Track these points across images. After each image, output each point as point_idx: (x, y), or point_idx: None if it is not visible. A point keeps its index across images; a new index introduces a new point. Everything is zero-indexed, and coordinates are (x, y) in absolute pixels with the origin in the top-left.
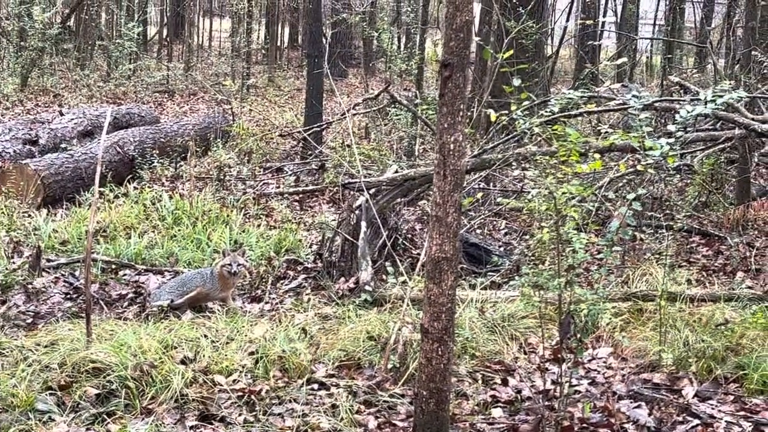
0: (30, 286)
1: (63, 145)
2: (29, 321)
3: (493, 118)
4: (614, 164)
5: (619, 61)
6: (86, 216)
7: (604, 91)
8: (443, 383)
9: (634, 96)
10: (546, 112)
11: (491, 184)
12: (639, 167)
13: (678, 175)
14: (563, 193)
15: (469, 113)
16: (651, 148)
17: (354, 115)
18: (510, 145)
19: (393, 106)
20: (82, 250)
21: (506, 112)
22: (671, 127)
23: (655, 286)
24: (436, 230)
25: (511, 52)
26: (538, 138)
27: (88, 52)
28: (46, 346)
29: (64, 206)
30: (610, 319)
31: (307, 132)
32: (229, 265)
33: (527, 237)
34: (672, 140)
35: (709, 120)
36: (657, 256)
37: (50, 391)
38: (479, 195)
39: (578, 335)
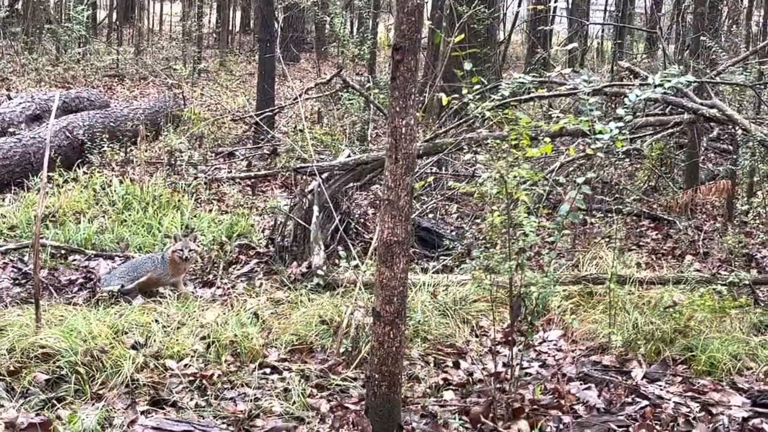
0: None
1: (11, 130)
2: None
3: (444, 102)
4: (565, 149)
5: (570, 47)
6: (35, 201)
7: (554, 77)
8: (395, 366)
9: (583, 81)
10: (497, 96)
11: (443, 168)
12: (588, 151)
13: (627, 160)
14: (514, 177)
15: (421, 98)
16: (600, 132)
17: (306, 99)
18: (462, 129)
19: (345, 90)
20: (31, 235)
21: (458, 96)
22: (620, 111)
23: (605, 269)
24: (388, 214)
25: (463, 36)
26: (489, 122)
27: (37, 36)
28: None
29: (12, 191)
30: (561, 302)
31: (259, 117)
32: (181, 250)
33: (478, 221)
34: (621, 124)
35: (658, 105)
36: (607, 239)
37: None
38: (431, 179)
39: (529, 318)
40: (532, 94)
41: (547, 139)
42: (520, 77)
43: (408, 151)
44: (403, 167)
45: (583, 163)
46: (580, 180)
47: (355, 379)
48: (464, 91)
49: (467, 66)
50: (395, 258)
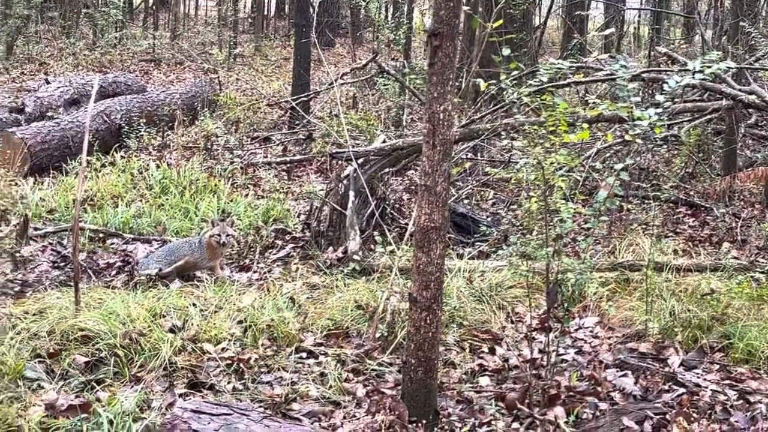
0: (17, 255)
1: (49, 114)
2: (17, 289)
3: (482, 88)
4: (601, 135)
5: (607, 32)
6: (73, 184)
7: (591, 62)
8: (431, 352)
9: (622, 66)
10: (535, 82)
11: (479, 154)
12: (627, 137)
13: (665, 146)
14: (551, 163)
15: (457, 83)
16: (639, 119)
17: (342, 84)
18: (498, 115)
19: (380, 75)
20: (70, 219)
21: (495, 81)
22: (659, 97)
23: (641, 256)
24: (425, 199)
25: (501, 21)
26: (526, 108)
27: (74, 20)
28: (34, 314)
29: (51, 175)
30: (597, 288)
31: (294, 101)
32: (218, 235)
33: (514, 207)
34: (660, 110)
35: (696, 91)
36: (644, 226)
37: (39, 359)
38: (467, 165)
39: (565, 304)
40: (569, 80)
41: (585, 125)
42: (558, 63)
43: (445, 137)
44: (441, 153)
45: (620, 149)
46: (618, 166)
47: (390, 364)
48: (502, 77)
49: (505, 51)
50: (432, 244)
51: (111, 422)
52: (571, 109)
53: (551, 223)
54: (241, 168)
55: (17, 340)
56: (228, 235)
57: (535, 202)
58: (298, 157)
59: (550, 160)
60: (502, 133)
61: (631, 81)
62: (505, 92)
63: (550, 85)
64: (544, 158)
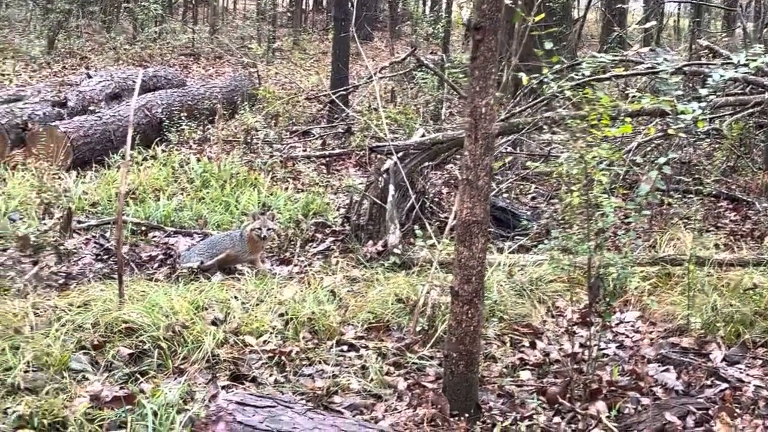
0: (61, 247)
1: (91, 108)
2: (61, 282)
3: (525, 82)
4: (641, 129)
5: (648, 25)
6: (115, 178)
7: (632, 55)
8: (473, 345)
9: (665, 60)
10: (577, 75)
11: (518, 148)
12: (670, 131)
13: (707, 140)
14: (593, 157)
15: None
16: (682, 112)
17: (380, 78)
18: (538, 108)
19: (419, 69)
20: (112, 212)
21: (536, 75)
22: (703, 91)
23: (682, 250)
24: (466, 193)
25: (543, 15)
26: (567, 102)
27: (114, 15)
28: (79, 307)
29: (93, 168)
30: (638, 283)
31: (334, 95)
32: (259, 229)
33: (554, 201)
34: (703, 104)
35: (738, 84)
36: (685, 220)
37: (84, 351)
38: (508, 159)
39: (607, 299)
40: (610, 73)
41: (628, 119)
42: (600, 56)
43: (487, 131)
44: (482, 147)
45: (661, 143)
46: (661, 160)
47: (431, 358)
48: (544, 71)
49: (547, 45)
50: (474, 238)
51: (155, 414)
52: (614, 102)
53: (593, 218)
54: (281, 162)
55: (62, 332)
56: (269, 229)
57: (577, 196)
58: (337, 150)
59: (591, 153)
60: (544, 127)
61: (673, 74)
62: (545, 86)
63: (591, 78)
64: (586, 152)
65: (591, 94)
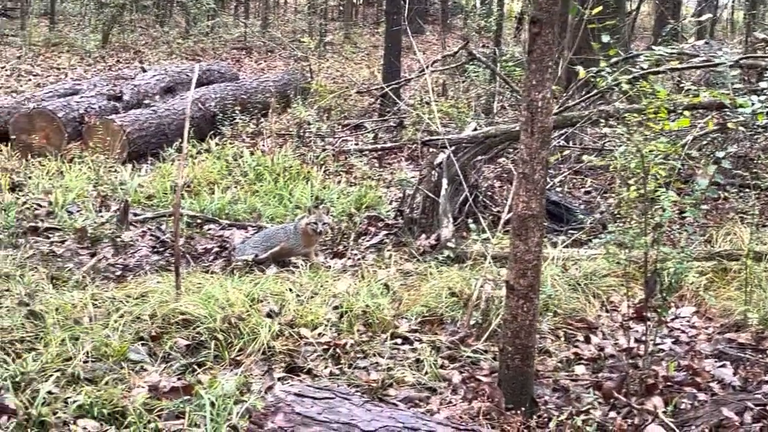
0: (118, 240)
1: (146, 101)
2: (118, 273)
3: (582, 75)
4: (697, 122)
5: (704, 18)
6: (170, 171)
7: (687, 48)
8: (528, 339)
9: (724, 52)
10: (634, 68)
11: (570, 141)
12: (729, 125)
13: (765, 133)
14: (650, 150)
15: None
16: (741, 105)
17: (432, 72)
18: (592, 102)
19: (471, 63)
20: (168, 205)
21: (590, 68)
22: (763, 84)
23: (739, 245)
24: (522, 187)
25: (600, 8)
26: (622, 95)
27: (167, 9)
28: (136, 298)
29: (148, 161)
30: (694, 278)
31: (386, 89)
32: (315, 223)
33: (608, 195)
34: (762, 97)
35: None
36: (741, 215)
37: (142, 342)
38: (566, 152)
39: (663, 294)
40: (663, 67)
41: (686, 113)
42: (658, 49)
43: (544, 125)
44: (539, 141)
45: (716, 136)
46: (719, 154)
47: (485, 352)
48: (602, 63)
49: (605, 38)
50: (529, 231)
51: (213, 404)
52: (672, 96)
53: (650, 212)
54: (333, 155)
55: (121, 323)
56: (324, 223)
57: (635, 190)
58: (389, 144)
59: (649, 147)
60: (601, 120)
61: (731, 68)
62: (599, 79)
63: (648, 71)
64: (644, 146)
65: (648, 87)
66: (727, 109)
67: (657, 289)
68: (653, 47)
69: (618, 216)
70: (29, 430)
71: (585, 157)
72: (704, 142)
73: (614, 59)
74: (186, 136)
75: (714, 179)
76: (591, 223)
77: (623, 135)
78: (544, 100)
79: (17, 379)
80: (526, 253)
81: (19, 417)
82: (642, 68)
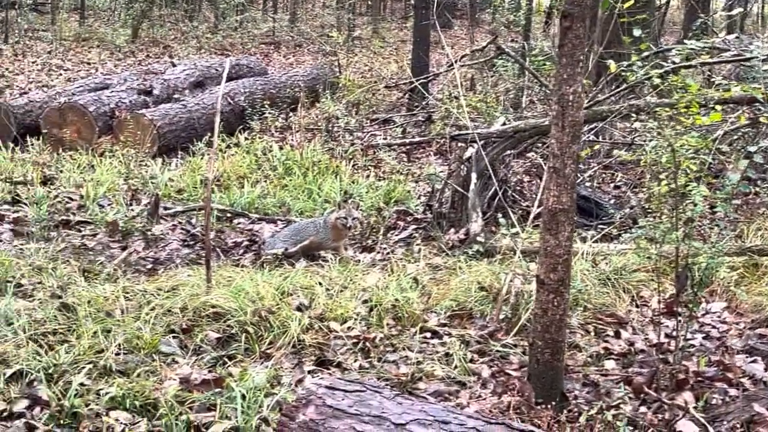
0: (149, 233)
1: (176, 96)
2: (149, 266)
3: (613, 69)
4: (729, 117)
5: (734, 12)
6: (200, 165)
7: (718, 43)
8: (558, 334)
9: (756, 47)
10: (665, 62)
11: (599, 136)
12: (762, 119)
13: None
14: (681, 145)
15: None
16: None
17: (461, 66)
18: (621, 96)
19: (500, 57)
20: (198, 199)
21: (621, 63)
22: None
23: None
24: (553, 181)
25: (631, 2)
26: (652, 89)
27: (196, 4)
28: (167, 291)
29: (178, 155)
30: (725, 273)
31: (414, 83)
32: (344, 218)
33: (638, 190)
34: None
35: None
36: None
37: (173, 334)
38: (597, 147)
39: (694, 289)
40: (695, 61)
41: (718, 107)
42: (690, 43)
43: (575, 119)
44: (570, 135)
45: (747, 131)
46: (751, 148)
47: (515, 346)
48: (633, 57)
49: (636, 32)
50: (560, 226)
51: (243, 397)
52: (703, 90)
53: (681, 207)
54: (362, 150)
55: (152, 316)
56: (354, 218)
57: (666, 185)
58: (417, 138)
59: (680, 142)
60: (632, 114)
61: (765, 62)
62: (629, 73)
63: (680, 66)
64: (675, 140)
65: (680, 82)
66: (758, 104)
67: (688, 284)
68: (684, 41)
69: (649, 211)
70: (62, 421)
71: (615, 152)
72: (735, 137)
73: (645, 53)
74: (216, 130)
75: (746, 174)
76: (621, 218)
77: (654, 129)
78: (575, 94)
79: (50, 371)
80: (557, 247)
81: (52, 408)
82: (674, 62)
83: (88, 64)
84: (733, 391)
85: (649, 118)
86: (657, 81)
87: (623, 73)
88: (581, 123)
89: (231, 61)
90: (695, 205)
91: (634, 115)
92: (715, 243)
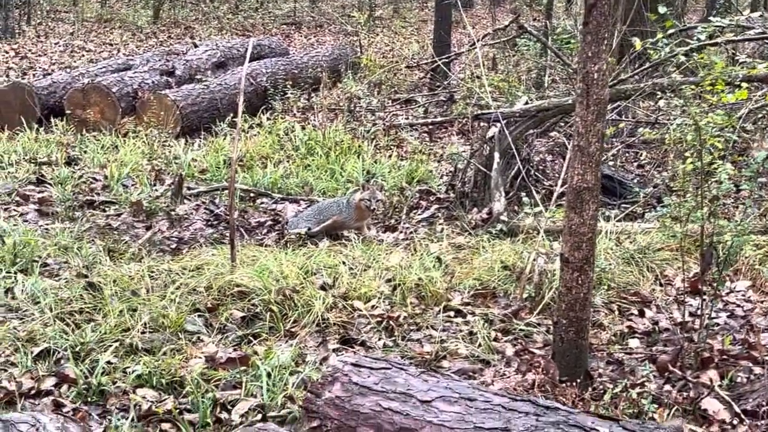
0: (173, 213)
1: (198, 77)
2: (173, 246)
3: (637, 47)
4: (753, 95)
5: None
6: (223, 146)
7: (742, 21)
8: (583, 312)
9: None
10: (690, 40)
11: (622, 115)
12: None
13: None
14: (707, 123)
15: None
16: None
17: (482, 46)
18: (645, 74)
19: (522, 36)
20: (221, 179)
21: (646, 41)
22: None
23: None
24: (577, 160)
25: None
26: (677, 67)
27: None
28: (192, 270)
29: (201, 136)
30: (750, 252)
31: (436, 63)
32: (368, 200)
33: (661, 169)
34: None
35: None
36: None
37: (198, 313)
38: (622, 125)
39: (719, 267)
40: (720, 38)
41: (744, 85)
42: (716, 20)
43: (599, 97)
44: (594, 113)
45: None
46: None
47: (538, 325)
48: (658, 35)
49: (661, 9)
50: (584, 204)
51: (269, 375)
52: (727, 68)
53: (706, 185)
54: (384, 129)
55: (177, 295)
56: (377, 200)
57: (691, 163)
58: (439, 118)
59: (705, 120)
60: (658, 93)
61: None
62: (654, 51)
63: (705, 43)
64: (700, 118)
65: (705, 59)
66: None
67: (713, 262)
68: (709, 19)
69: (673, 189)
70: (89, 398)
71: (639, 131)
72: (759, 116)
73: (670, 30)
74: (240, 110)
75: None
76: (645, 197)
77: (679, 107)
78: (599, 72)
79: (77, 349)
80: (581, 225)
81: (79, 386)
82: (699, 39)
83: (110, 45)
84: (758, 369)
85: (673, 96)
86: (683, 59)
87: (648, 51)
88: (606, 101)
89: (253, 42)
90: (720, 183)
91: (658, 93)
92: (741, 221)
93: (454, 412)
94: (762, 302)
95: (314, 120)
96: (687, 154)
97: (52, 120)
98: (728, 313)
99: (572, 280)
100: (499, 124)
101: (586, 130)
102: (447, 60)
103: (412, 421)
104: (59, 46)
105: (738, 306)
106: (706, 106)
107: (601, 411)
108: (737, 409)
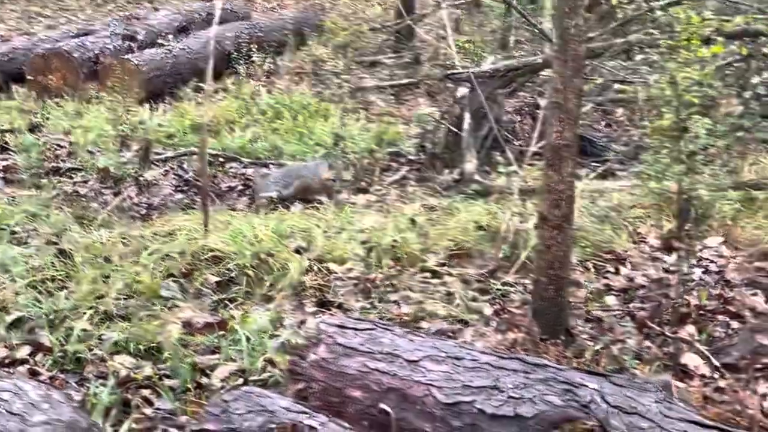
0: (141, 179)
1: (160, 41)
2: (143, 212)
3: (614, 2)
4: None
5: None
6: (189, 110)
7: None
8: (562, 270)
9: None
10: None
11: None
12: (766, 50)
13: None
14: (684, 78)
15: None
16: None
17: (448, 6)
18: (613, 33)
19: None
20: (188, 143)
21: None
22: None
23: (765, 174)
24: (555, 117)
25: None
26: (649, 24)
27: None
28: (164, 236)
29: (166, 101)
30: (721, 208)
31: (400, 24)
32: (333, 180)
33: (629, 127)
34: None
35: None
36: (765, 144)
37: (173, 279)
38: (599, 80)
39: (696, 223)
40: None
41: (720, 39)
42: None
43: (577, 53)
44: (572, 69)
45: (740, 66)
46: (754, 80)
47: (515, 284)
48: None
49: None
50: (563, 161)
51: (248, 339)
52: (705, 23)
53: (682, 141)
54: (350, 92)
55: (150, 261)
56: (343, 180)
57: (668, 119)
58: (405, 80)
59: (682, 74)
60: (633, 49)
61: None
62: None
63: (671, 1)
64: (677, 72)
65: (683, 14)
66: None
67: (689, 218)
68: None
69: (647, 147)
70: (66, 366)
71: (616, 86)
72: (726, 73)
73: None
74: (210, 74)
75: (749, 107)
76: (616, 155)
77: (649, 65)
78: (576, 27)
79: (51, 317)
80: (559, 183)
81: (55, 354)
82: None
83: (67, 10)
84: (735, 324)
85: (649, 52)
86: (659, 13)
87: (614, 10)
88: (583, 57)
89: (220, 5)
90: (697, 137)
91: (636, 49)
92: (718, 176)
93: (441, 371)
94: (735, 258)
95: (280, 83)
96: (664, 109)
97: (12, 86)
98: (702, 269)
99: (551, 239)
100: (469, 84)
101: (563, 86)
102: (412, 21)
103: (399, 381)
104: (15, 12)
105: (712, 262)
106: (682, 61)
107: (586, 367)
108: (717, 363)
